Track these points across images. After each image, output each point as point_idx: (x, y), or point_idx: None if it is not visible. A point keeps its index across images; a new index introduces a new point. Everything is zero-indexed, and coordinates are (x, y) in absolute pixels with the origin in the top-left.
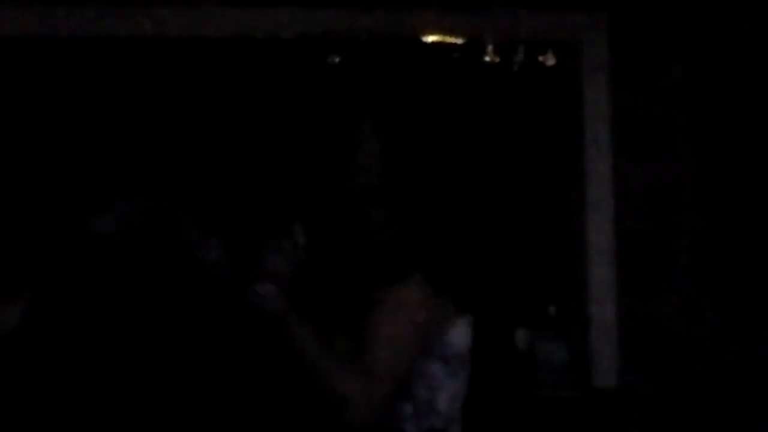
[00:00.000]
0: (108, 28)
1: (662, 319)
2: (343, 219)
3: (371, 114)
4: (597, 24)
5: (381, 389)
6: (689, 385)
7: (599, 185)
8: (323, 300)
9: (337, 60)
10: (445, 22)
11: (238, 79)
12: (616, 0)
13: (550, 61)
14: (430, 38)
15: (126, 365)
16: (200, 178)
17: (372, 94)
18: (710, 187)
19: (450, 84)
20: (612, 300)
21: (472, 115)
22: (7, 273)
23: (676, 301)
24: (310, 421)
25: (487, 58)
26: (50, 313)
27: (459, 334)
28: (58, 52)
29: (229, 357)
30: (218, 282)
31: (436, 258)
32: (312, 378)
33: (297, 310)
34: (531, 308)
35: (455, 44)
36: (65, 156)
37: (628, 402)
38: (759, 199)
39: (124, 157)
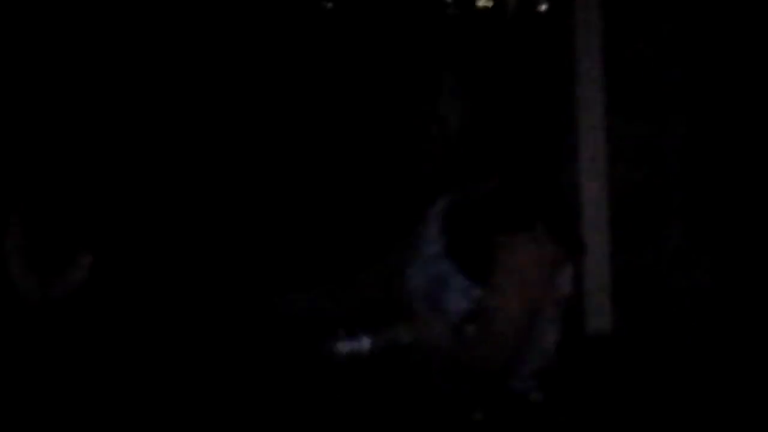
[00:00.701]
0: None
1: (655, 270)
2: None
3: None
4: None
5: (511, 339)
6: (681, 335)
7: (592, 139)
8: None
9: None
10: None
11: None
12: None
13: (543, 13)
14: None
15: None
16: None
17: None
18: (702, 142)
19: (440, 32)
20: (605, 251)
21: (467, 65)
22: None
23: (669, 252)
24: None
25: (481, 4)
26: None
27: (566, 281)
28: None
29: None
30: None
31: (554, 205)
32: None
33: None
34: None
35: None
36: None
37: (620, 350)
38: (749, 152)
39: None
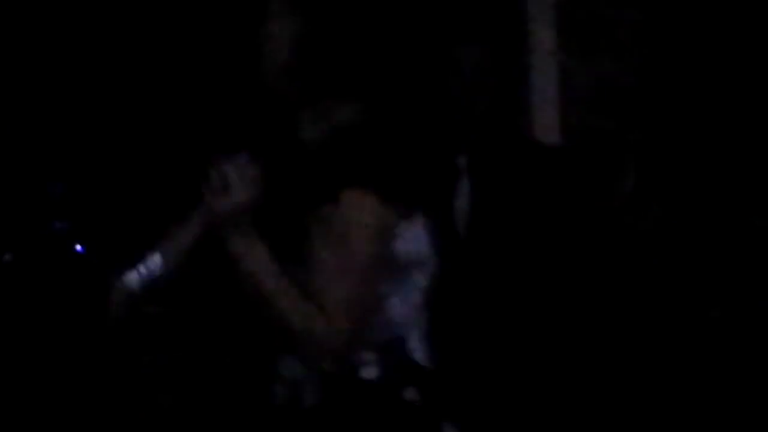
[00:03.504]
0: None
1: (607, 214)
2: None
3: None
4: None
5: (347, 322)
6: (639, 276)
7: (545, 82)
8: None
9: None
10: None
11: None
12: None
13: None
14: None
15: None
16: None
17: None
18: (654, 84)
19: None
20: None
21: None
22: None
23: (622, 195)
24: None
25: None
26: None
27: (410, 239)
28: None
29: None
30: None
31: (382, 159)
32: (267, 317)
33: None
34: None
35: None
36: None
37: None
38: (702, 93)
39: None
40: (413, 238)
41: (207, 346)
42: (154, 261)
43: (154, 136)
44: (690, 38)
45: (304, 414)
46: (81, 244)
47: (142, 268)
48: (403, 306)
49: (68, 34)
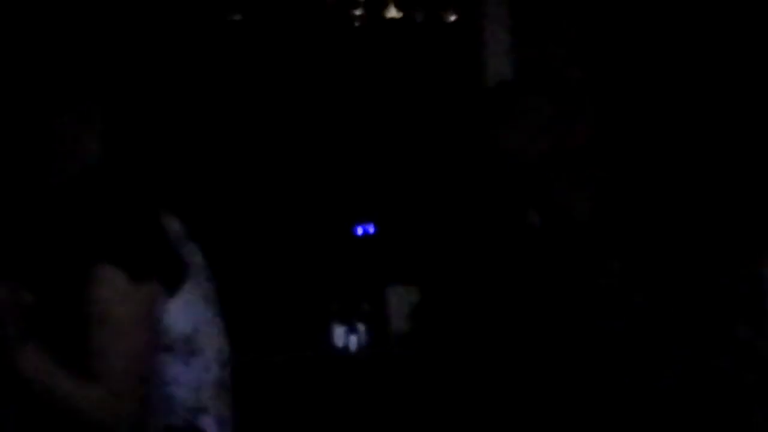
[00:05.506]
0: None
1: None
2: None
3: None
4: None
5: (128, 399)
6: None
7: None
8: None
9: None
10: None
11: None
12: None
13: (452, 22)
14: None
15: None
16: None
17: None
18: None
19: None
20: None
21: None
22: None
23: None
24: None
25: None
26: None
27: (176, 315)
28: None
29: None
30: None
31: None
32: (57, 412)
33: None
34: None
35: None
36: None
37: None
38: (647, 89)
39: None
40: (179, 314)
41: None
42: None
43: None
44: (639, 36)
45: None
46: None
47: None
48: (194, 391)
49: None
